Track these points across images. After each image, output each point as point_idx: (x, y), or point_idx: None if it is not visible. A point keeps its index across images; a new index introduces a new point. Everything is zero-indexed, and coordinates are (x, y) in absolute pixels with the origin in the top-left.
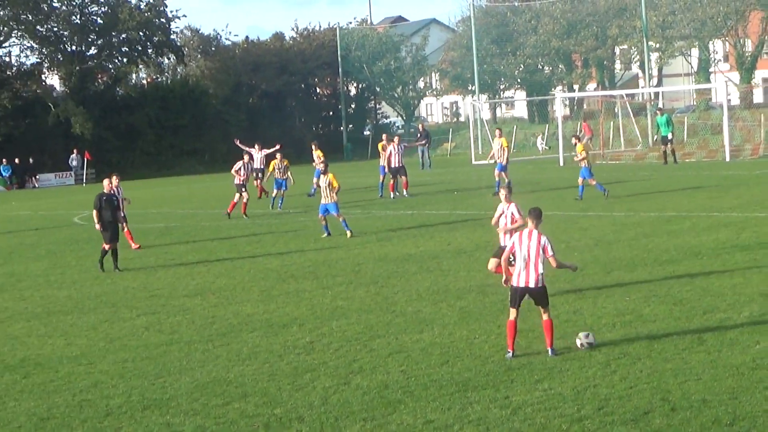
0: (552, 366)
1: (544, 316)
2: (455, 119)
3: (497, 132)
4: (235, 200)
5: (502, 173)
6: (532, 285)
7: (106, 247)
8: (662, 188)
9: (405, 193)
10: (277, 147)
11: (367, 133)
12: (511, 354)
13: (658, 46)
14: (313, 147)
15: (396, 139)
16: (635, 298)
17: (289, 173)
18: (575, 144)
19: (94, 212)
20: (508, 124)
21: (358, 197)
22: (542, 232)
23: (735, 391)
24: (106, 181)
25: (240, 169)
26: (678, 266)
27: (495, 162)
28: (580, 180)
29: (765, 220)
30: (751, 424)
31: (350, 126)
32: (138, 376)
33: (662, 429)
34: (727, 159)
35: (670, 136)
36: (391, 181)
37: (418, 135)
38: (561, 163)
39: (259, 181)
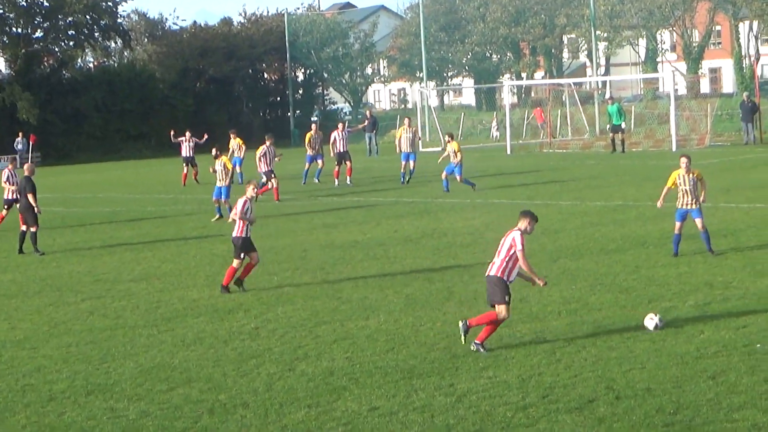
0: (497, 354)
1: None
2: (403, 106)
3: (448, 137)
4: (269, 186)
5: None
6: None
7: (27, 228)
8: (609, 177)
9: (348, 180)
10: (206, 137)
11: (314, 119)
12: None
13: (606, 35)
14: (232, 136)
15: (340, 125)
16: (581, 286)
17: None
18: (449, 142)
19: (30, 195)
20: (455, 111)
21: (307, 183)
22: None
23: (679, 379)
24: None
25: (265, 154)
26: (624, 255)
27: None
28: (443, 174)
29: (710, 210)
30: (695, 412)
31: (298, 112)
32: (82, 360)
33: (606, 417)
34: (674, 149)
35: (623, 126)
36: (336, 168)
37: (365, 122)
38: (509, 152)
39: (191, 167)
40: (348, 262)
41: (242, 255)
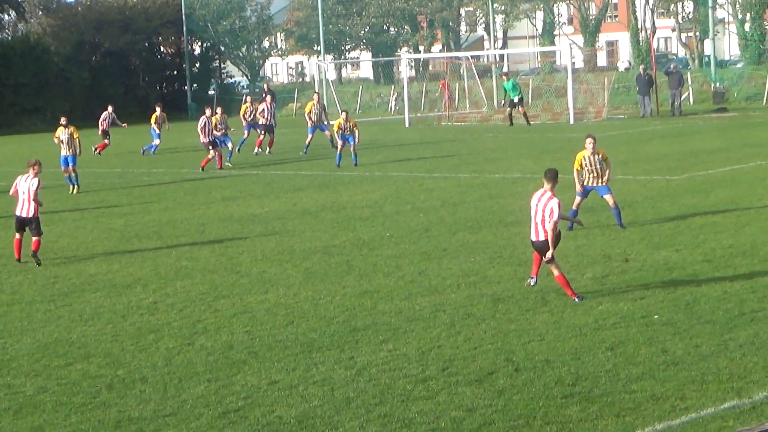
0: (397, 327)
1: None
2: (300, 79)
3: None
4: (209, 156)
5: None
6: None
7: None
8: (507, 150)
9: (268, 151)
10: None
11: (211, 92)
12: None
13: (503, 8)
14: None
15: (269, 97)
16: (480, 259)
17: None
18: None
19: None
20: (353, 85)
21: (203, 156)
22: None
23: (578, 351)
24: None
25: (204, 126)
26: (523, 228)
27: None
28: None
29: None
30: (593, 383)
31: (195, 85)
32: None
33: (506, 389)
34: (572, 122)
35: (516, 100)
36: (260, 137)
37: (263, 95)
38: (407, 125)
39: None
40: (246, 236)
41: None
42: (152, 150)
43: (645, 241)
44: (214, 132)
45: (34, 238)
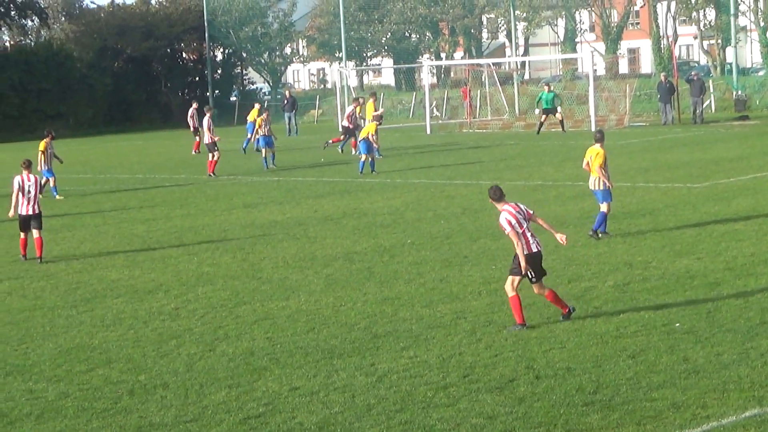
0: (418, 334)
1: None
2: (322, 86)
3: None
4: (214, 159)
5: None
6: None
7: None
8: (529, 158)
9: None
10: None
11: (233, 98)
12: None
13: (525, 15)
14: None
15: (354, 102)
16: (501, 266)
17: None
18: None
19: None
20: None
21: (225, 163)
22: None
23: (598, 359)
24: None
25: (210, 125)
26: (543, 235)
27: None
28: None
29: (629, 189)
30: (614, 391)
31: (216, 91)
32: (0, 342)
33: (527, 396)
34: (593, 129)
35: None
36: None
37: (284, 102)
38: (428, 131)
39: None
40: (268, 242)
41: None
42: (252, 146)
43: (666, 249)
44: (260, 132)
45: (38, 236)
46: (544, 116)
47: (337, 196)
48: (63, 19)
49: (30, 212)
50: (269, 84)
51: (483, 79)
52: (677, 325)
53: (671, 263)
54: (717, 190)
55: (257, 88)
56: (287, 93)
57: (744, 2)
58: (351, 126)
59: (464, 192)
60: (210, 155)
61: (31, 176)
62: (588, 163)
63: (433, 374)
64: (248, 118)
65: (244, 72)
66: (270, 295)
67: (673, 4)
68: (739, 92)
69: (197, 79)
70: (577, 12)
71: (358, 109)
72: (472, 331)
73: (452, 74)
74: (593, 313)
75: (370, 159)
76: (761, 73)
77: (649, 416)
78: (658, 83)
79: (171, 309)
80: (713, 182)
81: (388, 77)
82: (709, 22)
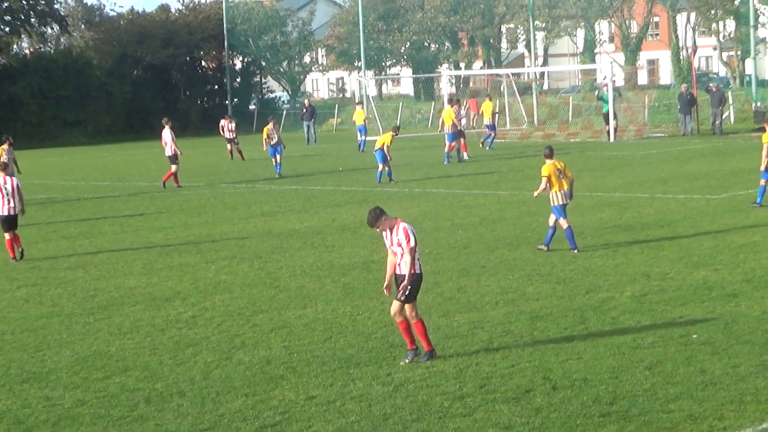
0: (435, 343)
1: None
2: (341, 95)
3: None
4: (172, 170)
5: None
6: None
7: None
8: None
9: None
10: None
11: (252, 107)
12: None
13: (544, 25)
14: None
15: (455, 106)
16: (518, 276)
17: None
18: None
19: None
20: (394, 101)
21: (243, 171)
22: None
23: (616, 370)
24: None
25: (172, 137)
26: (561, 245)
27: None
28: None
29: (647, 200)
30: (631, 402)
31: (235, 100)
32: (17, 348)
33: (543, 407)
34: (611, 140)
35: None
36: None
37: (303, 110)
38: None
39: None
40: (286, 251)
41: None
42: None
43: (684, 260)
44: (269, 142)
45: (14, 235)
46: (606, 124)
47: (355, 205)
48: (82, 26)
49: (10, 213)
50: (288, 93)
51: (502, 90)
52: (694, 336)
53: (689, 274)
54: (735, 201)
55: (276, 96)
56: (306, 102)
57: (764, 14)
58: (460, 128)
59: (482, 202)
60: (172, 167)
61: (8, 178)
62: (549, 180)
63: (450, 384)
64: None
65: (263, 80)
66: (287, 303)
67: (692, 16)
68: (758, 104)
69: (216, 87)
70: (597, 22)
71: (462, 110)
72: (489, 341)
73: (471, 84)
74: (610, 324)
75: (387, 168)
76: None
77: (665, 428)
78: (679, 94)
79: (188, 317)
80: (732, 194)
81: (407, 87)
82: (729, 34)
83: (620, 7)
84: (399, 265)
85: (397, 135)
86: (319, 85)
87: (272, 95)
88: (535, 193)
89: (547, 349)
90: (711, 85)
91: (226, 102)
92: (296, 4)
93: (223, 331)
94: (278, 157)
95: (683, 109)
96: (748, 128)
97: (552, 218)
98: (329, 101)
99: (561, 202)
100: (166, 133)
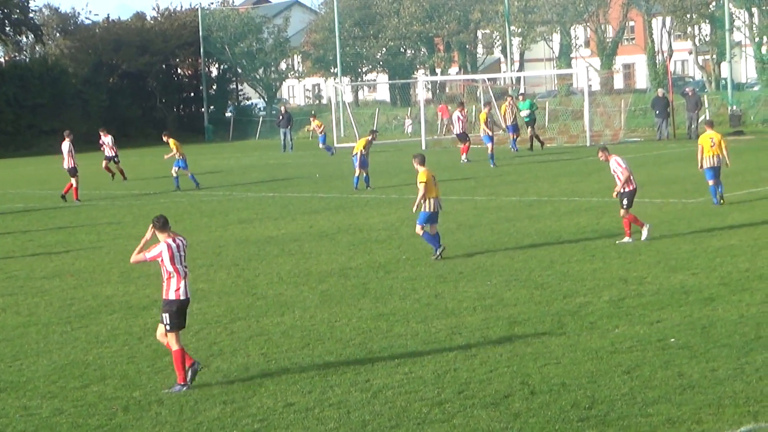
0: (413, 350)
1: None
2: (317, 102)
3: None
4: (73, 183)
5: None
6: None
7: None
8: (524, 173)
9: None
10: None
11: (228, 114)
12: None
13: (520, 30)
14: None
15: (459, 108)
16: (496, 281)
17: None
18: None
19: None
20: (370, 107)
21: (220, 179)
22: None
23: (594, 374)
24: None
25: (71, 150)
26: (539, 250)
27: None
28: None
29: None
30: (609, 407)
31: (212, 107)
32: None
33: (522, 412)
34: (588, 144)
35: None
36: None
37: (280, 117)
38: (423, 147)
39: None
40: (263, 258)
41: None
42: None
43: (661, 264)
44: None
45: None
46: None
47: (332, 211)
48: (58, 34)
49: None
50: (264, 100)
51: (478, 95)
52: (672, 340)
53: (666, 279)
54: (712, 205)
55: (252, 104)
56: (282, 109)
57: (739, 17)
58: (463, 131)
59: (459, 208)
60: (72, 180)
61: None
62: (426, 186)
63: (428, 390)
64: None
65: (240, 88)
66: (265, 311)
67: (668, 20)
68: (734, 107)
69: (192, 94)
70: (573, 27)
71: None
72: (467, 346)
73: (447, 90)
74: (588, 329)
75: (365, 174)
76: (756, 88)
77: (644, 431)
78: (654, 98)
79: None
80: (708, 197)
81: (383, 93)
82: (704, 37)
83: (596, 12)
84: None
85: (373, 139)
86: (295, 91)
87: (248, 102)
88: (414, 208)
89: (525, 355)
90: (687, 89)
91: (203, 109)
92: (272, 11)
93: (200, 338)
94: (175, 170)
95: (660, 114)
96: (724, 132)
97: (419, 227)
98: (305, 108)
99: (432, 210)
100: (65, 146)
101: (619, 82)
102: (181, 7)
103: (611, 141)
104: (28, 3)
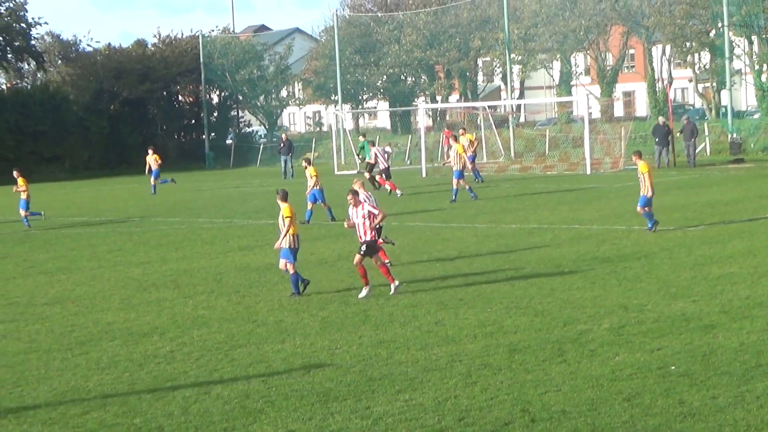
0: (413, 377)
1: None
2: (318, 129)
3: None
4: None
5: (460, 181)
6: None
7: None
8: (524, 200)
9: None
10: None
11: (229, 141)
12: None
13: (520, 58)
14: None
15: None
16: (497, 309)
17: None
18: (306, 168)
19: None
20: (371, 134)
21: (220, 206)
22: None
23: (594, 402)
24: None
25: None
26: (539, 278)
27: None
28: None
29: (624, 232)
30: None
31: (212, 134)
32: None
33: None
34: (588, 172)
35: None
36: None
37: (281, 145)
38: (424, 174)
39: None
40: (263, 285)
41: None
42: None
43: (662, 292)
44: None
45: None
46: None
47: (332, 239)
48: (59, 62)
49: None
50: (265, 127)
51: (478, 122)
52: (673, 368)
53: (667, 306)
54: (712, 233)
55: (254, 131)
56: (283, 136)
57: (738, 45)
58: (374, 162)
59: (460, 235)
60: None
61: None
62: (291, 221)
63: (429, 417)
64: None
65: (241, 115)
66: (265, 338)
67: (668, 48)
68: (734, 135)
69: (193, 121)
70: (573, 55)
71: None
72: (468, 373)
73: (448, 117)
74: (588, 356)
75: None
76: (756, 116)
77: None
78: (655, 126)
79: (166, 352)
80: (708, 225)
81: (383, 120)
82: (704, 66)
83: (596, 40)
84: None
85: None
86: (296, 119)
87: (249, 129)
88: (278, 244)
89: (525, 382)
90: (684, 118)
91: (204, 136)
92: (273, 38)
93: (201, 365)
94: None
95: (659, 141)
96: (724, 160)
97: (282, 262)
98: (306, 135)
99: (294, 246)
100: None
101: (619, 110)
102: (182, 34)
103: (611, 169)
104: (30, 30)
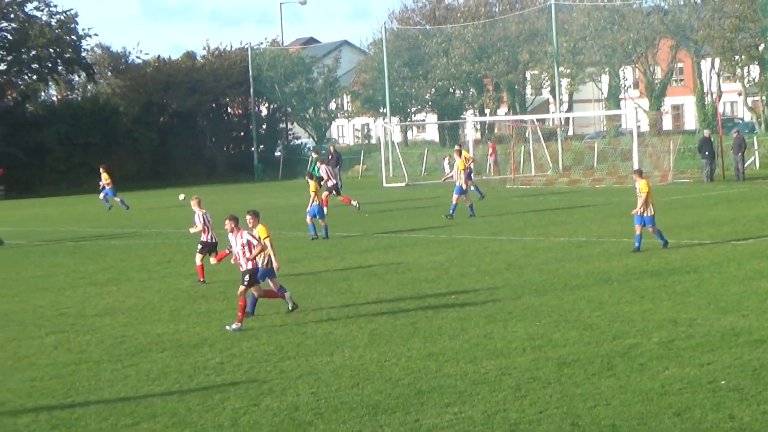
0: (462, 390)
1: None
2: (366, 141)
3: (456, 150)
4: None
5: (461, 197)
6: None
7: None
8: (573, 213)
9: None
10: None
11: (278, 153)
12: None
13: (568, 71)
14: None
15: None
16: (545, 322)
17: None
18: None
19: None
20: (419, 147)
21: (270, 218)
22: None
23: (644, 416)
24: None
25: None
26: (588, 291)
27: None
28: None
29: (673, 246)
30: None
31: (261, 146)
32: (46, 395)
33: None
34: (667, 181)
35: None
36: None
37: (329, 157)
38: (472, 187)
39: None
40: (312, 297)
41: None
42: None
43: (711, 306)
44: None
45: None
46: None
47: (381, 251)
48: (109, 74)
49: None
50: (314, 139)
51: (527, 135)
52: (723, 382)
53: (716, 320)
54: (762, 246)
55: (302, 143)
56: (332, 148)
57: None
58: (327, 178)
59: (508, 248)
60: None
61: None
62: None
63: (478, 431)
64: None
65: (289, 127)
66: (314, 350)
67: (717, 61)
68: None
69: (242, 134)
70: (621, 68)
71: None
72: (517, 387)
73: (496, 130)
74: (638, 370)
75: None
76: None
77: None
78: (701, 139)
79: (216, 363)
80: (758, 239)
81: (432, 133)
82: (753, 79)
83: (644, 53)
84: None
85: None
86: (344, 131)
87: (298, 141)
88: (276, 265)
89: (575, 396)
90: (733, 132)
91: (252, 149)
92: (321, 51)
93: (250, 377)
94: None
95: (709, 155)
96: None
97: (269, 282)
98: (354, 147)
99: (269, 266)
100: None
101: (667, 123)
102: (231, 46)
103: (660, 182)
104: (81, 42)
